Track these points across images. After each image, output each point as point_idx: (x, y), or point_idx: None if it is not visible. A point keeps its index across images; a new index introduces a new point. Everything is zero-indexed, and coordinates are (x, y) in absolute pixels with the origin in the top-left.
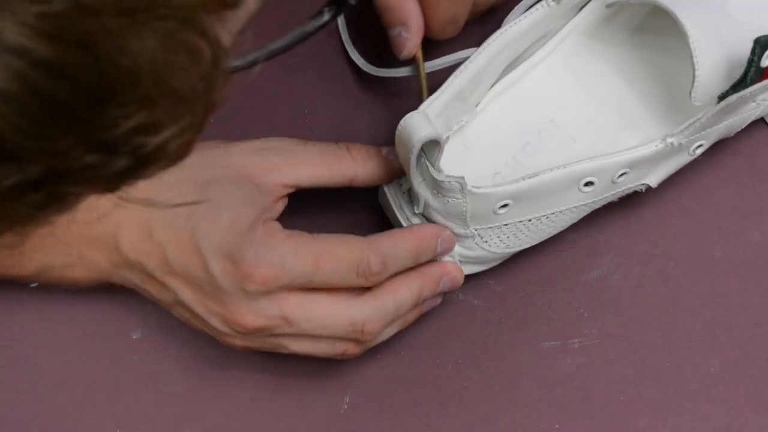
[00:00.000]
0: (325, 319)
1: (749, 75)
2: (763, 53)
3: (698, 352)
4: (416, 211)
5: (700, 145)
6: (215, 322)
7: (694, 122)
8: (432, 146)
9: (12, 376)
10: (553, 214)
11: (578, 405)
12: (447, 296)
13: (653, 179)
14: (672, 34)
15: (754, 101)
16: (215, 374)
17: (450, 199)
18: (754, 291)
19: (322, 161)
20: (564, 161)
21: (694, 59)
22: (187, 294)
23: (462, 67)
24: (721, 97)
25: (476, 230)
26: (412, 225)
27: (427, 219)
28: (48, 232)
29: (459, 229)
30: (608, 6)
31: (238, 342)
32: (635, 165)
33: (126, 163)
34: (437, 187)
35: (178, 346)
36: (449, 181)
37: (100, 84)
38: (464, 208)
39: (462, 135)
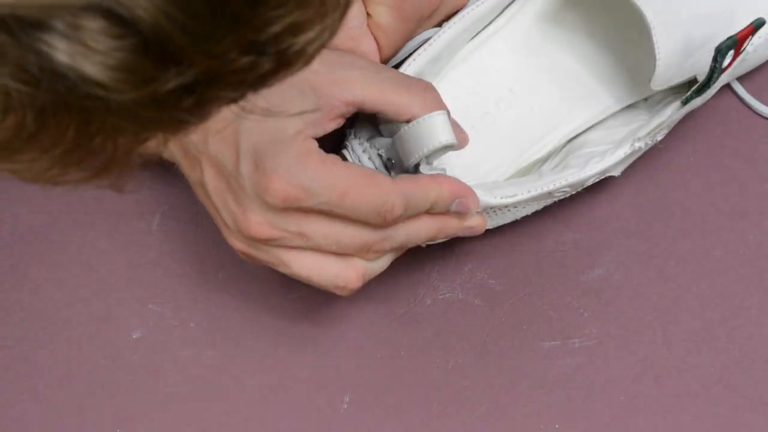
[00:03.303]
0: (340, 236)
1: (712, 79)
2: (723, 59)
3: (698, 352)
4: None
5: (661, 134)
6: (227, 217)
7: (658, 125)
8: (440, 148)
9: (12, 376)
10: (518, 209)
11: (578, 405)
12: (447, 296)
13: (617, 171)
14: (626, 12)
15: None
16: (215, 374)
17: None
18: (754, 291)
19: (393, 89)
20: (523, 131)
21: (656, 51)
22: (212, 180)
23: (421, 48)
24: (684, 102)
25: None
26: (438, 176)
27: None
28: None
29: None
30: None
31: (240, 246)
32: (606, 171)
33: (270, 65)
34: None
35: (178, 346)
36: (433, 174)
37: None
38: None
39: None
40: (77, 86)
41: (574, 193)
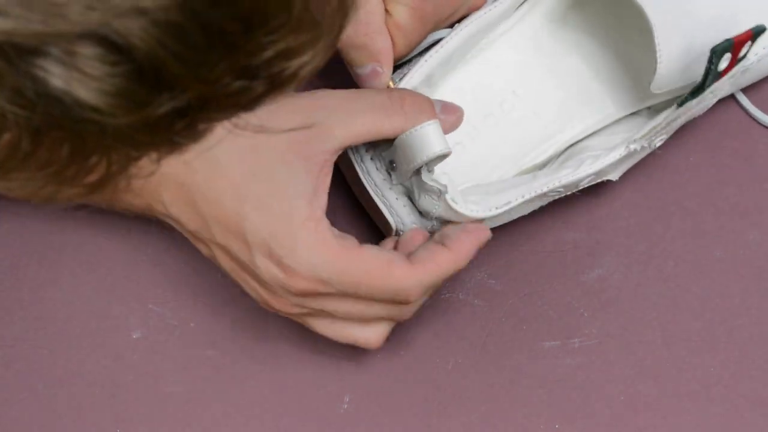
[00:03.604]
0: (363, 312)
1: (707, 82)
2: (719, 61)
3: (698, 352)
4: (394, 183)
5: (660, 139)
6: (249, 290)
7: (654, 127)
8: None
9: (12, 376)
10: (513, 211)
11: (578, 405)
12: (447, 296)
13: (615, 175)
14: (633, 16)
15: (711, 93)
16: (215, 374)
17: (424, 195)
18: (754, 291)
19: (372, 119)
20: (526, 134)
21: (658, 52)
22: (227, 263)
23: (433, 50)
24: (681, 103)
25: (437, 220)
26: (450, 240)
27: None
28: None
29: (422, 217)
30: None
31: (262, 304)
32: (600, 173)
33: (263, 88)
34: (419, 182)
35: (178, 346)
36: (432, 185)
37: (254, 9)
38: (435, 209)
39: None
40: (72, 110)
41: (568, 193)
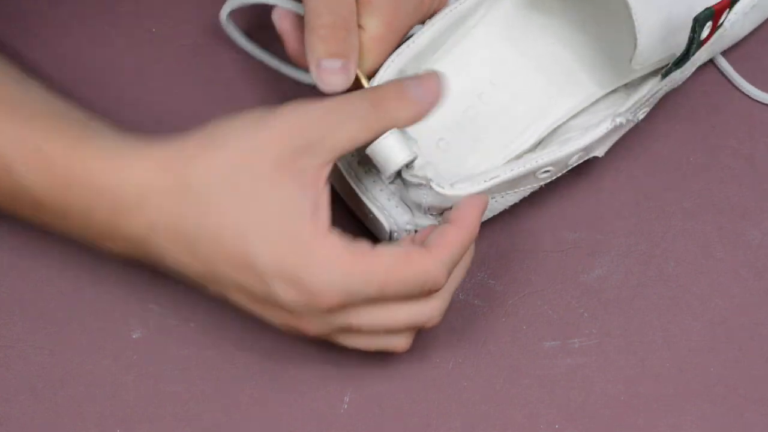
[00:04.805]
0: (390, 323)
1: (690, 51)
2: (702, 29)
3: (698, 352)
4: (386, 184)
5: (643, 111)
6: (271, 320)
7: (639, 99)
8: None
9: (12, 376)
10: (506, 195)
11: (578, 405)
12: None
13: (600, 151)
14: None
15: (690, 62)
16: (215, 374)
17: (412, 189)
18: (754, 291)
19: (358, 127)
20: (509, 122)
21: (636, 28)
22: (241, 298)
23: (404, 46)
24: (665, 74)
25: (431, 215)
26: (453, 217)
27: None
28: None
29: (415, 216)
30: None
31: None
32: (587, 148)
33: None
34: (403, 180)
35: (178, 346)
36: (414, 180)
37: None
38: (425, 199)
39: None
40: None
41: (560, 174)
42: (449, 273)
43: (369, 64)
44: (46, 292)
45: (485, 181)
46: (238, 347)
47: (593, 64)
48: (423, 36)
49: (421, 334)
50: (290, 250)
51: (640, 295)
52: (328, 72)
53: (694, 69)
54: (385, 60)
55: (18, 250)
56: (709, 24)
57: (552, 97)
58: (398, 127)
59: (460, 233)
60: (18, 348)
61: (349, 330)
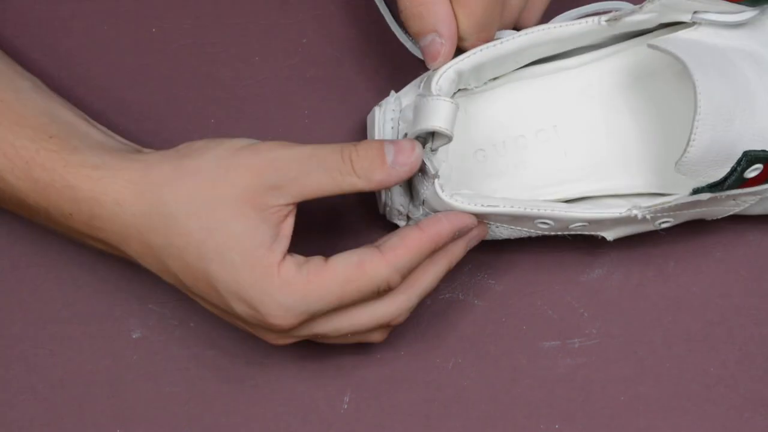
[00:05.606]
0: (355, 326)
1: (728, 181)
2: (748, 167)
3: (698, 352)
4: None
5: (666, 221)
6: (240, 328)
7: (662, 203)
8: (440, 136)
9: (12, 376)
10: (500, 227)
11: (578, 405)
12: (447, 296)
13: (610, 235)
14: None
15: (734, 200)
16: (215, 374)
17: (420, 178)
18: (754, 291)
19: (325, 178)
20: (547, 169)
21: (693, 135)
22: (209, 308)
23: (491, 43)
24: (696, 191)
25: (425, 210)
26: (424, 222)
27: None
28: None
29: (412, 203)
30: (649, 46)
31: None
32: (593, 223)
33: None
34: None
35: (178, 346)
36: (427, 166)
37: None
38: (424, 190)
39: (467, 100)
40: None
41: (558, 234)
42: (403, 276)
43: (459, 28)
44: (46, 292)
45: (482, 206)
46: (238, 347)
47: (653, 161)
48: (512, 42)
49: (419, 334)
50: (245, 279)
51: (640, 295)
52: (425, 51)
53: (732, 212)
54: (477, 31)
55: (18, 250)
56: (759, 166)
57: (598, 171)
58: (367, 189)
59: (421, 240)
60: (18, 348)
61: (315, 338)
